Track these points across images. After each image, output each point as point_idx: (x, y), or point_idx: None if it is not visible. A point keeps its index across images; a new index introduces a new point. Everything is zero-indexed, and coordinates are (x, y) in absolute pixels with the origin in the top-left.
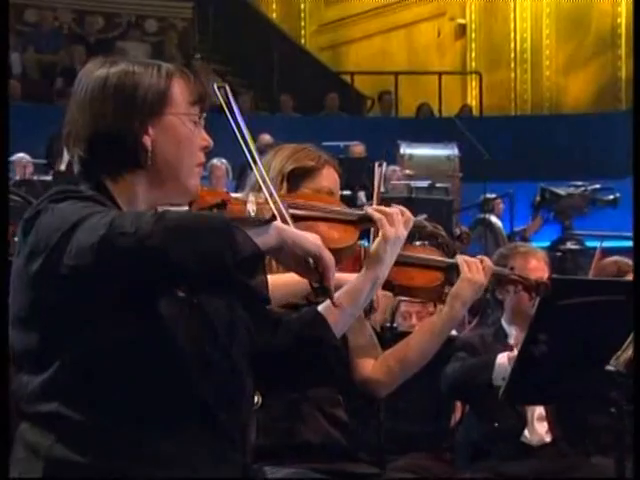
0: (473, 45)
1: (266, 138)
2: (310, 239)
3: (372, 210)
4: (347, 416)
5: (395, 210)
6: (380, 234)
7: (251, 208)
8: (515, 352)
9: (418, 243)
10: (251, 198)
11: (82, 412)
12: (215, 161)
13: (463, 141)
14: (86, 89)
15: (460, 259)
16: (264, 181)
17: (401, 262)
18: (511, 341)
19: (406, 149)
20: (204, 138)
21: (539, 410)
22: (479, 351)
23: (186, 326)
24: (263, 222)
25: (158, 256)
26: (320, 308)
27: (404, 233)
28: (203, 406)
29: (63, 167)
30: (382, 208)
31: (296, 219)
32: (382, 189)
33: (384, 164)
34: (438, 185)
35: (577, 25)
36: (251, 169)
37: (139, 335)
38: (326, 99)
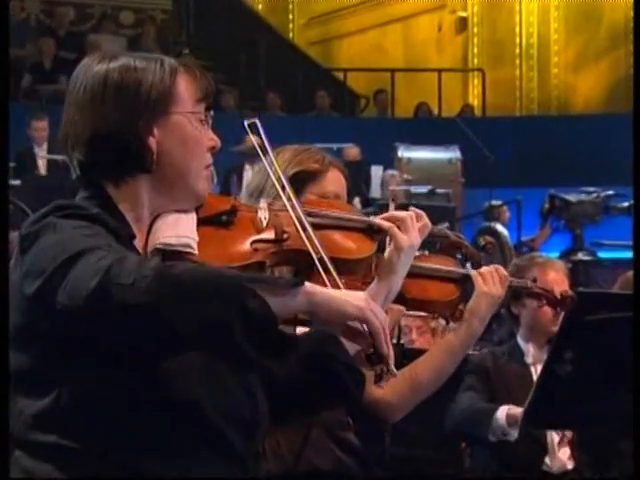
0: (475, 40)
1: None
2: (351, 300)
3: (380, 219)
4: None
5: (409, 214)
6: (392, 243)
7: (263, 216)
8: (518, 409)
9: (426, 252)
10: (262, 204)
11: (84, 443)
12: None
13: (465, 143)
14: (84, 87)
15: (473, 272)
16: (283, 188)
17: (415, 273)
18: (528, 360)
19: (404, 152)
20: (212, 138)
21: (561, 434)
22: (492, 374)
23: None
24: (290, 284)
25: (151, 317)
26: None
27: (418, 240)
28: (216, 432)
29: (44, 171)
30: (393, 214)
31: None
32: (379, 195)
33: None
34: (439, 191)
35: (588, 18)
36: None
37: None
38: (316, 98)
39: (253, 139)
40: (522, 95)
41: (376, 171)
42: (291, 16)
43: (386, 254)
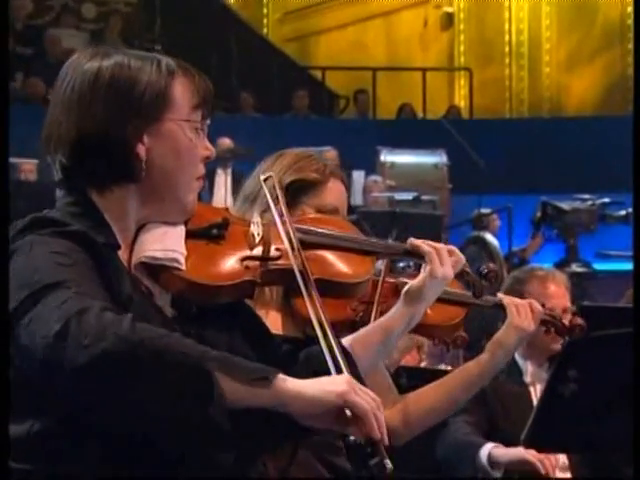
0: (462, 37)
1: (226, 142)
2: (328, 387)
3: (421, 243)
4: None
5: (444, 247)
6: (427, 270)
7: (256, 231)
8: (501, 450)
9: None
10: (256, 219)
11: (53, 472)
12: None
13: (452, 147)
14: (73, 85)
15: (508, 300)
16: (275, 203)
17: None
18: (527, 379)
19: (387, 156)
20: (206, 147)
21: (562, 458)
22: (488, 394)
23: None
24: (255, 378)
25: (99, 383)
26: (344, 341)
27: (451, 273)
28: (207, 460)
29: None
30: (432, 243)
31: (303, 246)
32: (361, 202)
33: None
34: (424, 198)
35: (581, 15)
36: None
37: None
38: (293, 98)
39: (267, 192)
40: (512, 96)
41: (357, 177)
42: (265, 10)
43: (417, 280)
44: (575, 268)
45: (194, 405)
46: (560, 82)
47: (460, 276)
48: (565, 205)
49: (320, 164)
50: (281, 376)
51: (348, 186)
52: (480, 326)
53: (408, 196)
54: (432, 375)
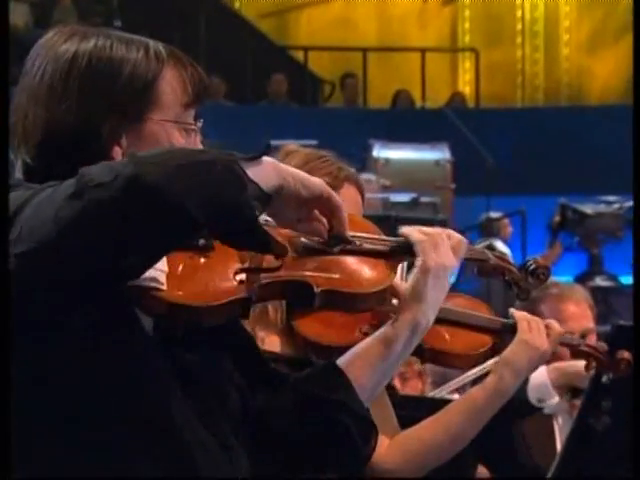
0: (467, 12)
1: None
2: (314, 178)
3: (412, 230)
4: None
5: (438, 231)
6: (418, 263)
7: None
8: (561, 364)
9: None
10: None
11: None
12: None
13: (456, 141)
14: (43, 71)
15: (519, 315)
16: None
17: (439, 317)
18: (548, 412)
19: (380, 151)
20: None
21: None
22: None
23: (164, 391)
24: (250, 157)
25: (157, 198)
26: (340, 362)
27: (452, 263)
28: None
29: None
30: (426, 229)
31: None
32: None
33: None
34: (424, 200)
35: None
36: None
37: (103, 400)
38: (270, 83)
39: None
40: (525, 81)
41: None
42: None
43: (410, 278)
44: (599, 282)
45: (239, 187)
46: (581, 65)
47: (501, 275)
48: (588, 208)
49: (334, 167)
50: (270, 158)
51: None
52: None
53: (405, 198)
54: (434, 405)
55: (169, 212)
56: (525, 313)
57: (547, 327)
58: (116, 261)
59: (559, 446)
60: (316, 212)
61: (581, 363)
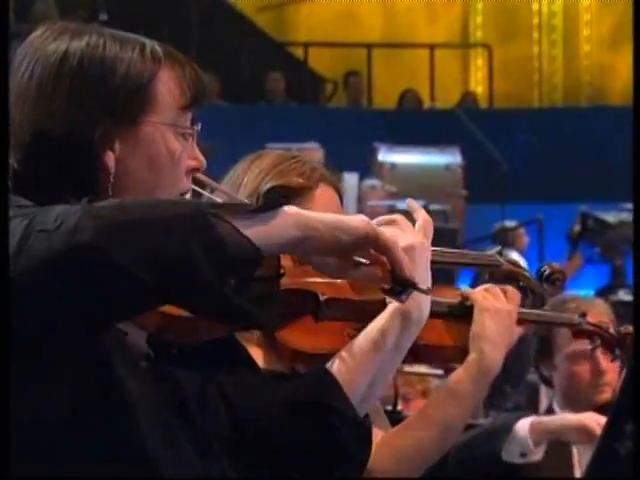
0: (479, 5)
1: None
2: (353, 218)
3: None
4: None
5: (399, 217)
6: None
7: None
8: (544, 418)
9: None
10: None
11: None
12: None
13: (468, 144)
14: (32, 70)
15: (470, 291)
16: None
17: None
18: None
19: (386, 155)
20: (195, 157)
21: None
22: None
23: (145, 400)
24: (266, 206)
25: (92, 260)
26: (331, 366)
27: (419, 240)
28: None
29: None
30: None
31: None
32: (354, 212)
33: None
34: (433, 207)
35: None
36: None
37: (84, 411)
38: (267, 82)
39: None
40: (542, 80)
41: (349, 181)
42: None
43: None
44: (622, 295)
45: (204, 250)
46: (602, 62)
47: (515, 281)
48: (610, 217)
49: (307, 167)
50: (292, 207)
51: (342, 194)
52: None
53: None
54: None
55: (109, 275)
56: (477, 288)
57: (503, 290)
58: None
59: (577, 474)
60: (372, 254)
61: (563, 417)
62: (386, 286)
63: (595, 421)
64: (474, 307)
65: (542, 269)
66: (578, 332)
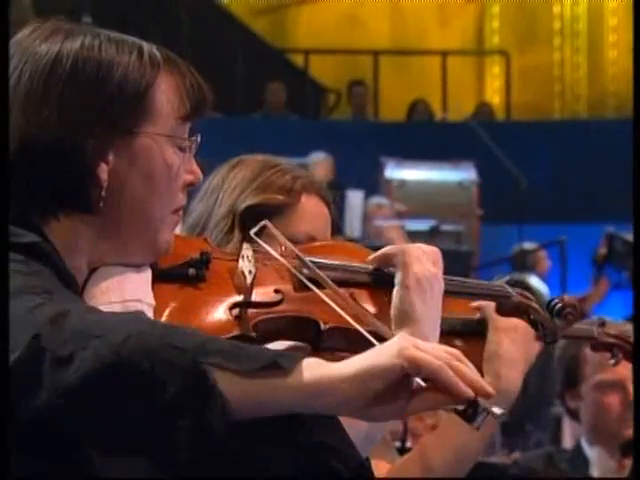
0: (495, 9)
1: None
2: (376, 353)
3: (385, 250)
4: None
5: (415, 245)
6: (398, 280)
7: (247, 268)
8: None
9: None
10: (246, 251)
11: None
12: None
13: (483, 159)
14: (20, 73)
15: (483, 303)
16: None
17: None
18: (594, 472)
19: (394, 171)
20: (192, 170)
21: None
22: None
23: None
24: (281, 362)
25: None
26: None
27: (432, 270)
28: None
29: None
30: (399, 245)
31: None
32: (359, 232)
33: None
34: (445, 228)
35: None
36: None
37: None
38: (266, 92)
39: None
40: (564, 90)
41: (354, 198)
42: None
43: (394, 299)
44: None
45: (186, 418)
46: (629, 71)
47: (525, 314)
48: None
49: (287, 177)
50: (309, 360)
51: (340, 205)
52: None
53: (423, 225)
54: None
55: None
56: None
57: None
58: None
59: None
60: (421, 384)
61: None
62: (459, 407)
63: None
64: (487, 322)
65: (553, 302)
66: (597, 345)
